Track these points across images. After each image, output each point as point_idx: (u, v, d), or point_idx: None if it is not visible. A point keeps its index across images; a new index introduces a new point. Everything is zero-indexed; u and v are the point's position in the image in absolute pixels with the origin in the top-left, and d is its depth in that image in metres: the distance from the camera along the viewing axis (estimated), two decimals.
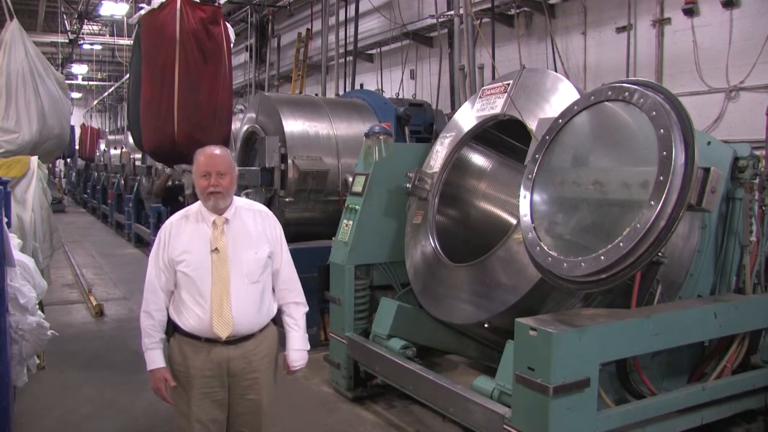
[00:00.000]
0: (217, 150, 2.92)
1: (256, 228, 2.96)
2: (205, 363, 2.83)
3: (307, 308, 3.14)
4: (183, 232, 2.88)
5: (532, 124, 4.01)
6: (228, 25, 5.40)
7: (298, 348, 3.04)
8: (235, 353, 2.85)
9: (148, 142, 5.39)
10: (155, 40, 5.07)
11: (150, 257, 2.94)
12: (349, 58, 11.04)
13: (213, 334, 2.79)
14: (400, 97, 9.29)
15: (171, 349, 2.92)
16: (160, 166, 10.44)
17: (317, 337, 5.99)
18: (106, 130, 31.77)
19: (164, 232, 2.92)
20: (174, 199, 7.26)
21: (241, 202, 3.01)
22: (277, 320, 3.08)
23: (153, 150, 5.48)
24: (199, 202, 2.94)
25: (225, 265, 2.82)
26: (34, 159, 5.39)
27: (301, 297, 3.11)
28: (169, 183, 7.29)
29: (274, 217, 3.09)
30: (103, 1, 15.79)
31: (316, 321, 6.06)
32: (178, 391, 2.89)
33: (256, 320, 2.90)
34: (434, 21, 9.69)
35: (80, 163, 24.00)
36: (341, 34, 11.20)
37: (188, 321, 2.83)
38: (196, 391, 2.84)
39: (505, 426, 3.22)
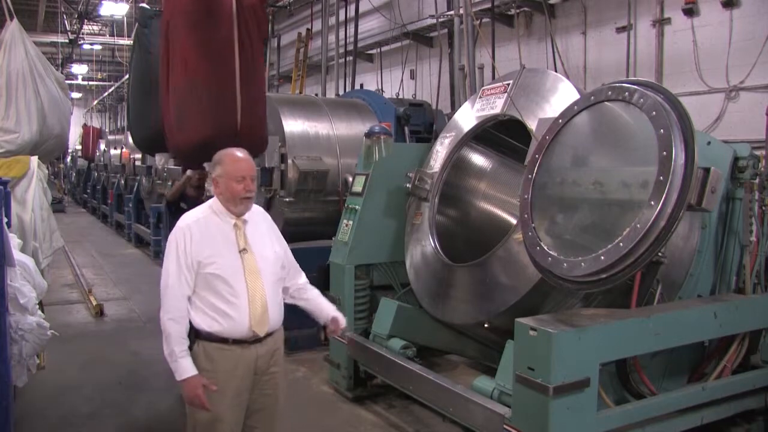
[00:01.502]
0: (241, 152, 2.92)
1: (266, 227, 3.04)
2: (235, 366, 2.81)
3: None
4: (206, 235, 2.83)
5: (532, 124, 4.01)
6: None
7: (336, 311, 3.22)
8: (262, 350, 2.88)
9: (186, 137, 4.31)
10: (205, 13, 4.15)
11: (168, 262, 2.82)
12: (349, 58, 11.05)
13: (250, 333, 2.80)
14: (400, 97, 9.28)
15: (195, 355, 2.81)
16: (160, 166, 10.38)
17: (317, 337, 5.99)
18: (106, 130, 31.76)
19: (184, 236, 2.81)
20: (178, 205, 7.19)
21: None
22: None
23: (195, 145, 4.25)
24: (207, 204, 2.93)
25: (256, 265, 2.85)
26: (34, 159, 5.38)
27: (304, 276, 3.27)
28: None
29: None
30: (103, 1, 15.82)
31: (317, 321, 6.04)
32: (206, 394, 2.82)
33: (280, 316, 2.99)
34: (434, 21, 9.70)
35: (80, 163, 24.01)
36: (341, 34, 11.20)
37: (218, 324, 2.78)
38: (225, 395, 2.80)
39: (505, 426, 3.22)
